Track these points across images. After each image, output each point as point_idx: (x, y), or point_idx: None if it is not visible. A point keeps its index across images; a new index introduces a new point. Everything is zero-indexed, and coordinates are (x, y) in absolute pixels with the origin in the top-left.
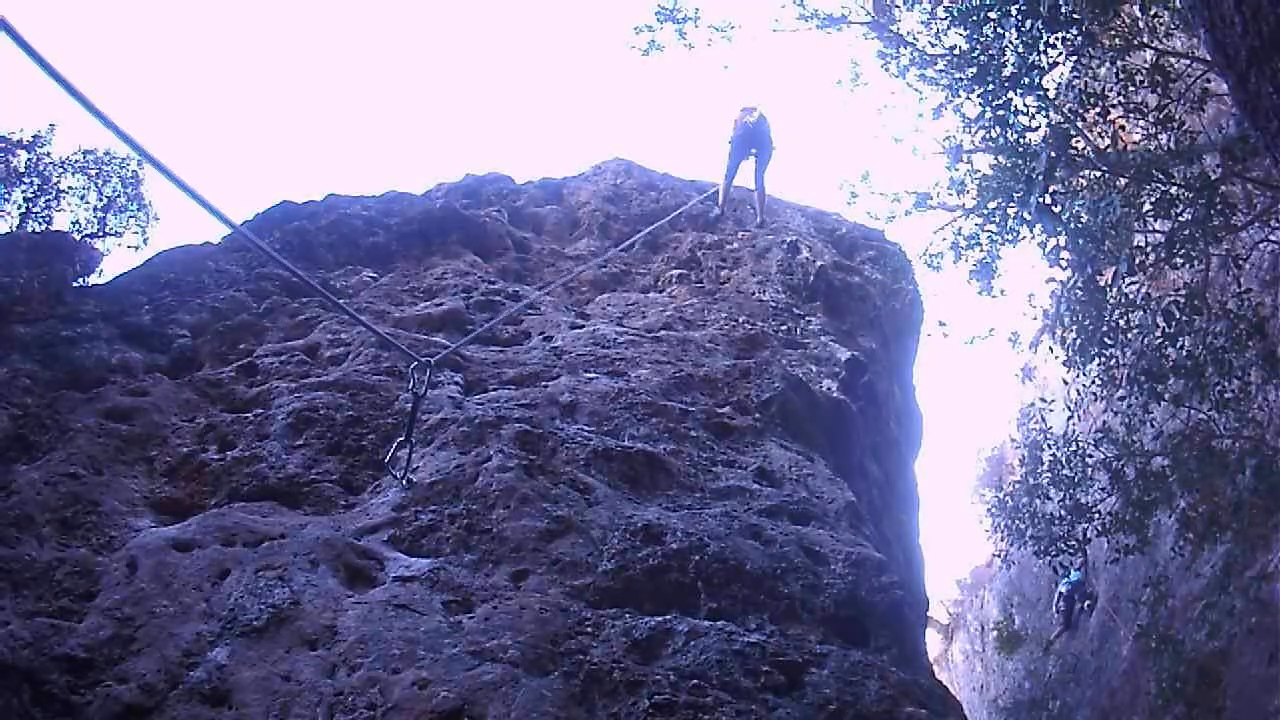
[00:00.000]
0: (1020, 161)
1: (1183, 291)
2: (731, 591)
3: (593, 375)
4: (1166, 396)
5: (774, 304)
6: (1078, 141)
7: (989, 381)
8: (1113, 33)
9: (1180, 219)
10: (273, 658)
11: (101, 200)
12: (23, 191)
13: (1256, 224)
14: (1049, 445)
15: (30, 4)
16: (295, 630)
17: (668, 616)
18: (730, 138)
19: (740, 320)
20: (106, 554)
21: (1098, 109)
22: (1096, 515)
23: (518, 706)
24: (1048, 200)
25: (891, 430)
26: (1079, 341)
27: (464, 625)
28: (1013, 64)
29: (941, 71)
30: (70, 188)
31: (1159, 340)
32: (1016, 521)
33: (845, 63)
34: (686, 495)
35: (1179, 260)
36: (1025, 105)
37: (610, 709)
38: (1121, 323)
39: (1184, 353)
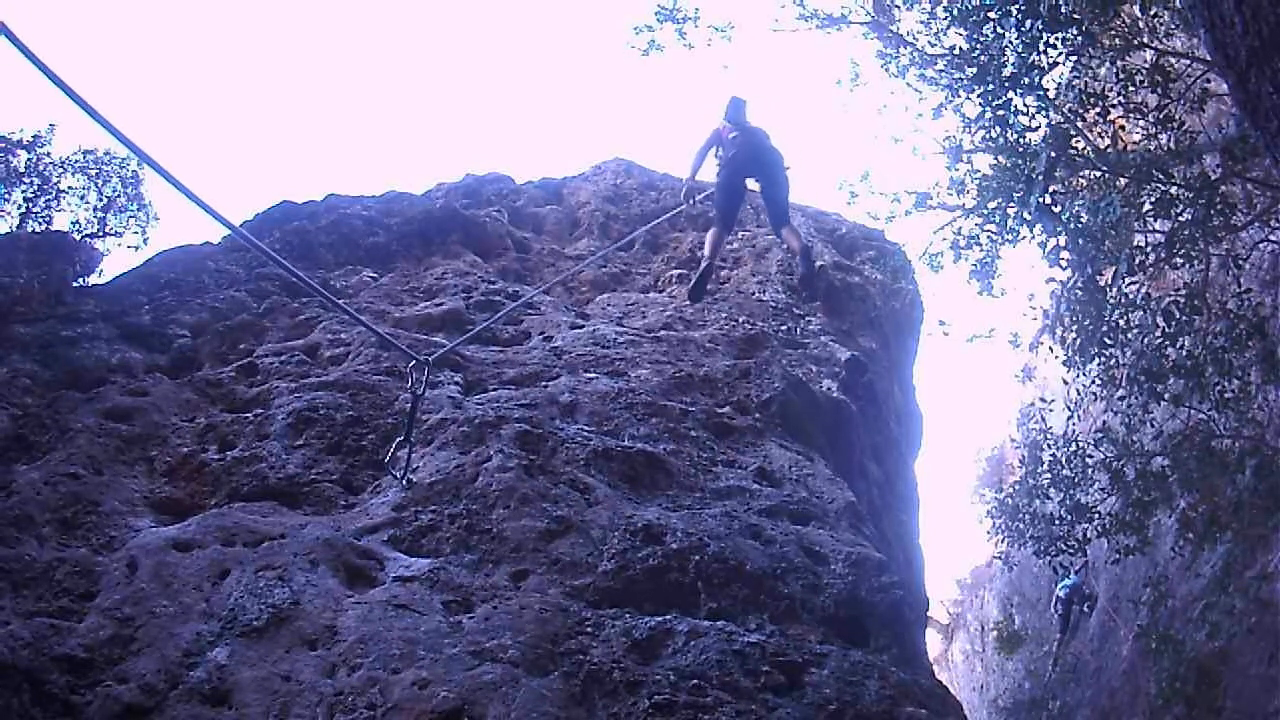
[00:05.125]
0: (1020, 161)
1: (1183, 291)
2: (731, 591)
3: (593, 375)
4: (1166, 396)
5: (774, 304)
6: (1078, 141)
7: (989, 381)
8: (1113, 33)
9: (1180, 219)
10: (273, 658)
11: (101, 200)
12: (23, 191)
13: (1256, 224)
14: (1049, 445)
15: (30, 4)
16: (295, 630)
17: (668, 616)
18: (716, 159)
19: (740, 320)
20: (106, 554)
21: (1098, 109)
22: (1096, 515)
23: (518, 706)
24: (1048, 200)
25: (891, 430)
26: (1079, 341)
27: (464, 625)
28: (1013, 64)
29: (941, 71)
30: (70, 188)
31: (1159, 340)
32: (1016, 522)
33: (845, 63)
34: (686, 495)
35: (1179, 260)
36: (1025, 105)
37: (610, 709)
38: (1121, 323)
39: (1184, 353)
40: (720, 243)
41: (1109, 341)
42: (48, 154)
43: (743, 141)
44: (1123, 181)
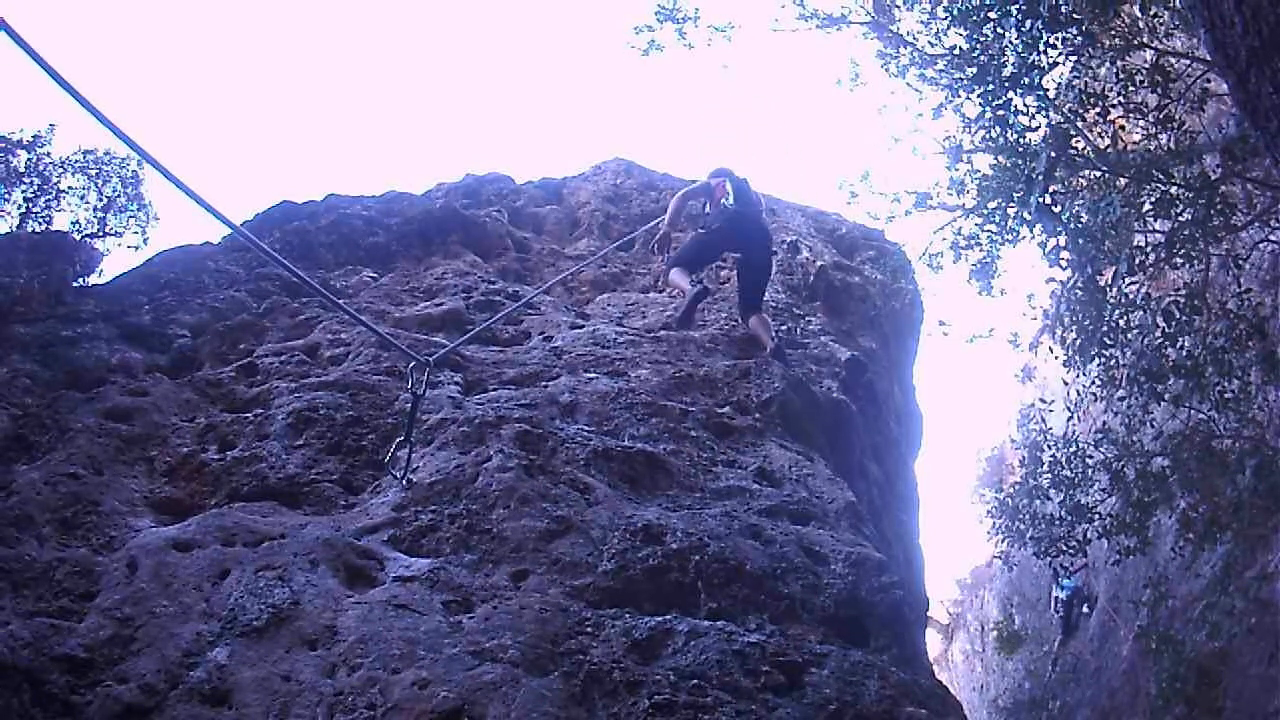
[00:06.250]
0: (1020, 161)
1: (1183, 291)
2: (731, 591)
3: (593, 375)
4: (1166, 396)
5: (774, 304)
6: (1078, 141)
7: (989, 381)
8: (1113, 33)
9: (1180, 219)
10: (273, 658)
11: (101, 200)
12: (23, 191)
13: (1256, 224)
14: (1049, 446)
15: (30, 4)
16: (295, 630)
17: (668, 616)
18: (699, 215)
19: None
20: (106, 554)
21: (1098, 109)
22: (1096, 516)
23: (518, 706)
24: (1048, 200)
25: (891, 430)
26: (1079, 341)
27: (464, 625)
28: (1013, 64)
29: (941, 71)
30: (70, 188)
31: (1159, 340)
32: (1016, 522)
33: (845, 63)
34: (686, 495)
35: (1179, 260)
36: (1025, 105)
37: (610, 709)
38: (1121, 323)
39: (1184, 353)
40: (690, 277)
41: (1109, 341)
42: (48, 154)
43: (737, 215)
44: (1123, 181)
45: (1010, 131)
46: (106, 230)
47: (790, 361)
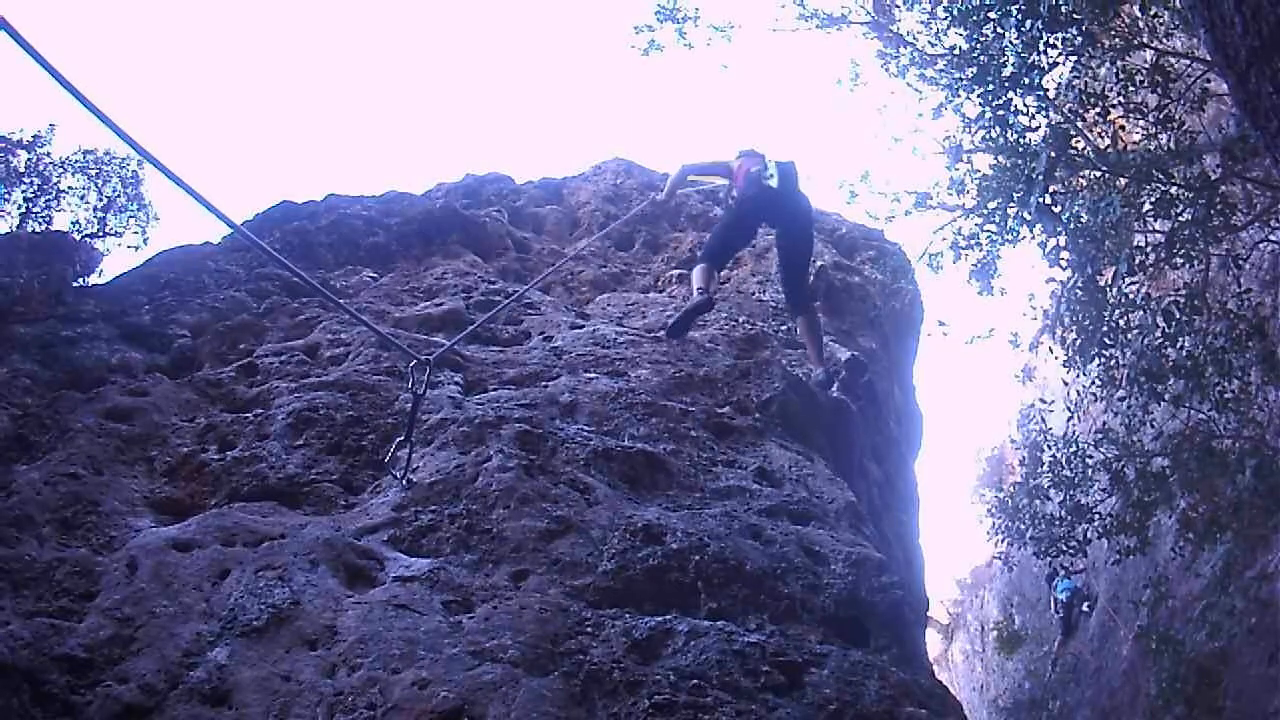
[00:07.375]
0: (1020, 161)
1: (1183, 291)
2: (731, 591)
3: (593, 375)
4: (1166, 396)
5: (774, 304)
6: (1078, 141)
7: (989, 381)
8: (1113, 33)
9: (1180, 219)
10: (273, 658)
11: (101, 200)
12: (23, 191)
13: (1256, 224)
14: (1049, 446)
15: (30, 4)
16: (295, 630)
17: (668, 616)
18: (731, 190)
19: (740, 320)
20: (106, 554)
21: (1098, 109)
22: (1097, 516)
23: (518, 706)
24: (1048, 200)
25: (891, 430)
26: (1079, 341)
27: (464, 625)
28: (1013, 64)
29: (941, 71)
30: (70, 188)
31: (1159, 340)
32: (1016, 522)
33: (845, 63)
34: (686, 495)
35: (1179, 260)
36: (1025, 105)
37: (610, 709)
38: (1121, 323)
39: (1184, 353)
40: (712, 278)
41: (1109, 341)
42: (48, 154)
43: (765, 183)
44: (1123, 181)
45: (1010, 131)
46: (106, 230)
47: (790, 361)
